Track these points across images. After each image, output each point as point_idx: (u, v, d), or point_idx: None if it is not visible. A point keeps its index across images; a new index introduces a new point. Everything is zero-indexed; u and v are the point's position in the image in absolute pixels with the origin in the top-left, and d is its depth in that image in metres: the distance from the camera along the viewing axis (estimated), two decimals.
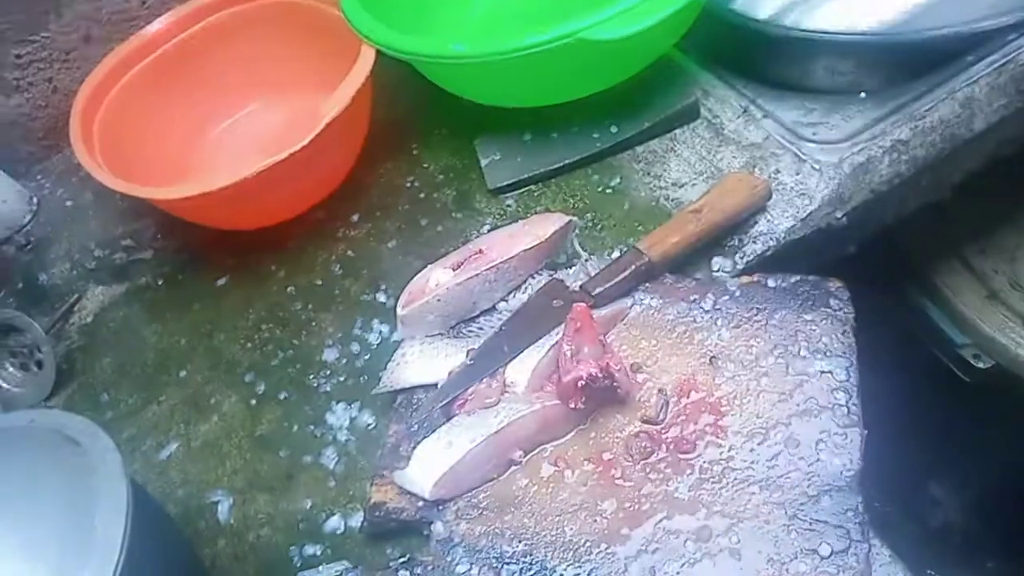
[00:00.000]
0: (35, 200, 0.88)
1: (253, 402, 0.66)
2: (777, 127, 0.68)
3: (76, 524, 0.42)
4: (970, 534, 1.21)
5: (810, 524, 0.48)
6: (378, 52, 0.68)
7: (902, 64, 0.68)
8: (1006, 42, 0.67)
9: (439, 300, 0.59)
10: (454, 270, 0.60)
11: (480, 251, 0.61)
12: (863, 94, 0.68)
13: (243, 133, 0.85)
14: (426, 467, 0.53)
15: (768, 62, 0.73)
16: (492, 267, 0.59)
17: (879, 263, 0.96)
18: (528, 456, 0.54)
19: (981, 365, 0.93)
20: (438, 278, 0.60)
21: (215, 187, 0.64)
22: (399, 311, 0.60)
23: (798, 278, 0.58)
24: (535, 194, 0.72)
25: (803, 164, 0.65)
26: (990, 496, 1.18)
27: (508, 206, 0.72)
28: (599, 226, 0.68)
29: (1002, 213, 0.98)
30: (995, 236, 0.97)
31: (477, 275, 0.59)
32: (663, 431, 0.53)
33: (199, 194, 0.65)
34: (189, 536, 0.59)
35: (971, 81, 0.66)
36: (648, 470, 0.52)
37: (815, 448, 0.50)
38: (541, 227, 0.61)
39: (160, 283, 0.77)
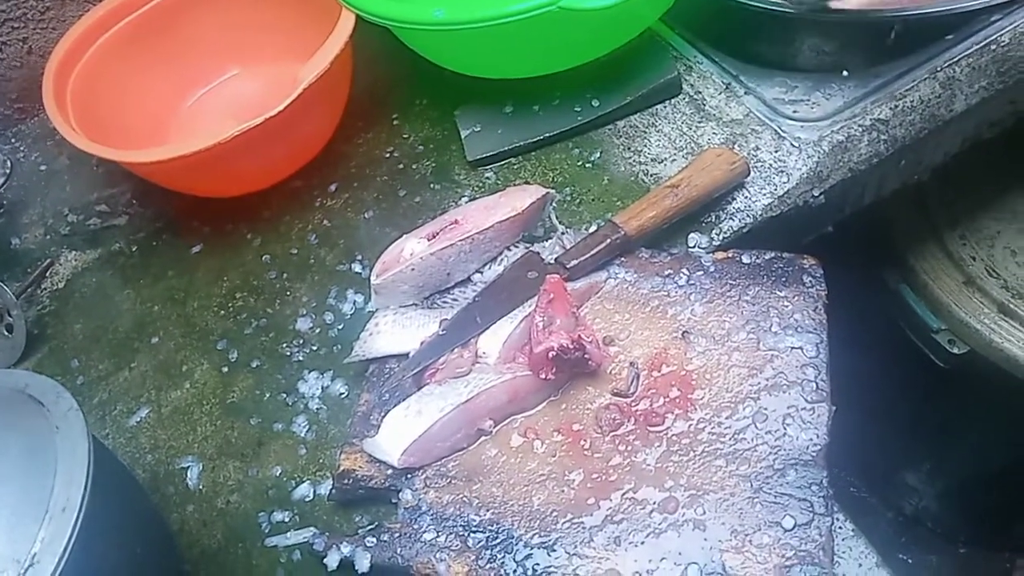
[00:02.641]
0: (9, 163, 0.86)
1: (225, 369, 0.65)
2: (758, 104, 0.68)
3: (35, 484, 0.41)
4: (943, 520, 1.23)
5: (775, 497, 0.48)
6: (359, 20, 0.67)
7: (885, 43, 0.68)
8: (989, 23, 0.67)
9: (413, 270, 0.59)
10: (429, 240, 0.60)
11: (455, 222, 0.60)
12: (845, 72, 0.68)
13: (222, 99, 0.84)
14: (395, 435, 0.53)
15: (752, 39, 0.73)
16: (467, 238, 0.59)
17: (859, 246, 0.97)
18: (498, 426, 0.54)
19: (956, 351, 0.94)
20: (412, 248, 0.59)
21: (188, 151, 0.63)
22: (373, 280, 0.60)
23: (773, 255, 0.58)
24: (515, 167, 0.71)
25: (782, 141, 0.65)
26: (964, 483, 1.19)
27: (488, 178, 0.71)
28: (578, 200, 0.67)
29: (983, 201, 0.98)
30: (975, 223, 0.97)
31: (452, 245, 0.59)
32: (633, 404, 0.53)
33: (172, 158, 0.64)
34: (157, 501, 0.58)
35: (952, 61, 0.66)
36: (617, 442, 0.52)
37: (782, 423, 0.51)
38: (518, 199, 0.61)
39: (134, 249, 0.76)
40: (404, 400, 0.55)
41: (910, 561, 1.26)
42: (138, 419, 0.64)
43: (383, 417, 0.54)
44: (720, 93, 0.70)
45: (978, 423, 1.08)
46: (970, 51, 0.66)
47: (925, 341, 0.96)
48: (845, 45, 0.69)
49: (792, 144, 0.65)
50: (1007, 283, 0.92)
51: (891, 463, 1.25)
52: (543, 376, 0.53)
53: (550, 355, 0.52)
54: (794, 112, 0.66)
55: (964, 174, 0.92)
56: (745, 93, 0.69)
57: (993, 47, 0.66)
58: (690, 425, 0.52)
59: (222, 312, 0.69)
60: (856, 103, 0.66)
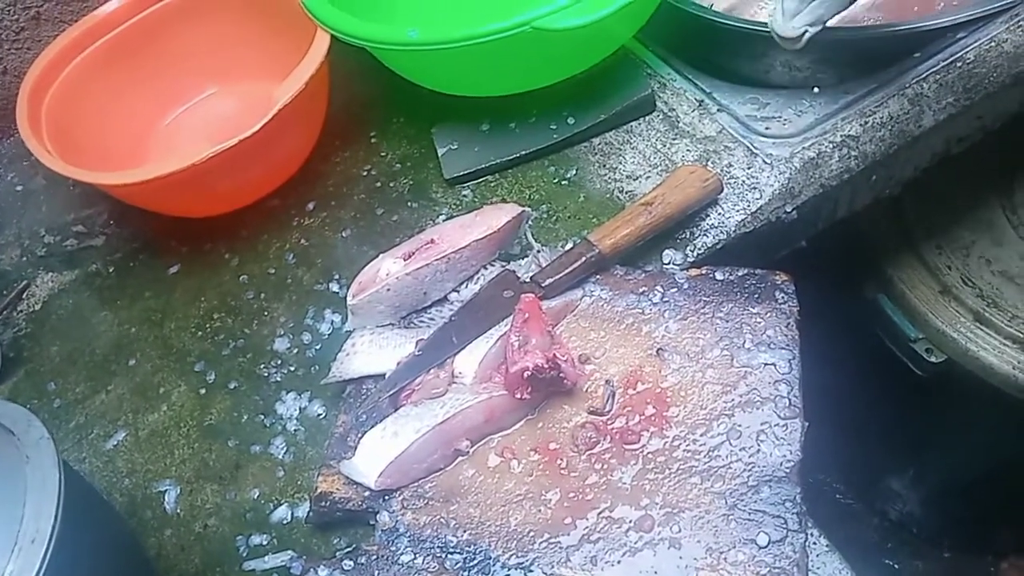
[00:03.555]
0: None
1: (203, 391, 0.65)
2: (731, 121, 0.69)
3: (3, 515, 0.41)
4: (928, 526, 1.24)
5: (749, 514, 0.49)
6: (335, 39, 0.68)
7: (855, 60, 0.69)
8: (954, 41, 0.68)
9: (389, 290, 0.59)
10: (405, 260, 0.60)
11: (432, 241, 0.61)
12: (816, 89, 0.69)
13: (199, 119, 0.84)
14: (371, 457, 0.53)
15: (725, 56, 0.74)
16: (443, 257, 0.59)
17: (837, 257, 0.97)
18: (475, 446, 0.54)
19: (934, 359, 0.94)
20: (388, 268, 0.59)
21: (163, 172, 0.63)
22: (349, 301, 0.60)
23: (745, 271, 0.58)
24: (492, 184, 0.71)
25: (755, 158, 0.66)
26: (946, 489, 1.20)
27: (464, 196, 0.71)
28: (554, 217, 0.68)
29: (957, 211, 0.99)
30: (950, 233, 0.98)
31: (428, 265, 0.59)
32: (609, 422, 0.54)
33: (148, 179, 0.64)
34: (134, 526, 0.58)
35: (920, 78, 0.67)
36: (593, 460, 0.52)
37: (756, 439, 0.51)
38: (493, 217, 0.61)
39: (111, 271, 0.76)
40: (381, 421, 0.55)
41: (896, 566, 1.27)
42: (115, 442, 0.64)
43: (360, 439, 0.54)
44: (693, 110, 0.71)
45: (958, 429, 1.09)
46: (937, 68, 0.67)
47: (904, 350, 0.97)
48: (816, 62, 0.70)
49: (764, 161, 0.65)
50: (982, 292, 0.93)
51: (875, 470, 1.26)
52: (519, 396, 0.53)
53: (525, 375, 0.52)
54: (766, 129, 0.67)
55: (938, 186, 0.93)
56: (718, 110, 0.70)
57: (959, 64, 0.68)
58: (665, 443, 0.52)
59: (199, 333, 0.68)
60: (827, 119, 0.67)
